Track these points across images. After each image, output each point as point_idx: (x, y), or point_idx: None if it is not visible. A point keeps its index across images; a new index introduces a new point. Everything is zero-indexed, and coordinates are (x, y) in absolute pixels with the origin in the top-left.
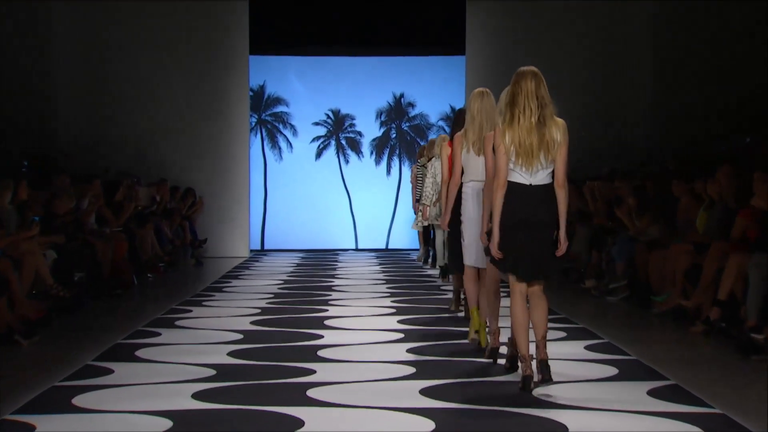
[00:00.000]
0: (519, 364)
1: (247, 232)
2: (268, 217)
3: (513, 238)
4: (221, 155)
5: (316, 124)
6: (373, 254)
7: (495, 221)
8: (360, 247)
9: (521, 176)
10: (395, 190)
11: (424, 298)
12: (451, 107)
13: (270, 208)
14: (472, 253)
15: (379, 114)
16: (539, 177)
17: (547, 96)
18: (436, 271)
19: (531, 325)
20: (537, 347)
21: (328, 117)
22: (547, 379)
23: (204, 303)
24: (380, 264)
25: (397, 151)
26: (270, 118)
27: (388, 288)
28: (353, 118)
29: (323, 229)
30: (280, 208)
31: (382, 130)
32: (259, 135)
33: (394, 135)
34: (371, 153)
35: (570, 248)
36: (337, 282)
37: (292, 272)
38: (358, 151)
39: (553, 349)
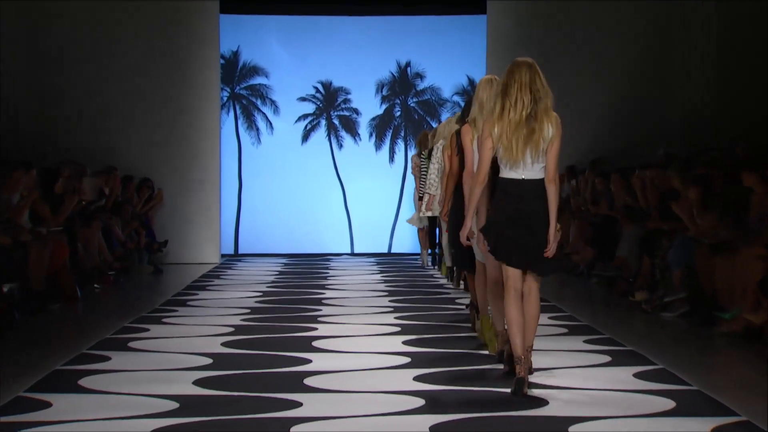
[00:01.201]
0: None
1: (218, 233)
2: (243, 215)
3: (506, 232)
4: (185, 138)
5: (303, 99)
6: (372, 260)
7: (469, 214)
8: (356, 251)
9: (512, 172)
10: (399, 181)
11: (436, 314)
12: (469, 79)
13: (245, 204)
14: (478, 251)
15: (380, 87)
16: (534, 171)
17: (543, 89)
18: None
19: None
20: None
21: (318, 91)
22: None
23: (164, 320)
24: (381, 272)
25: (402, 133)
26: (246, 92)
27: (390, 301)
28: (348, 93)
29: (311, 230)
30: (257, 203)
31: (384, 107)
32: (232, 113)
33: (398, 113)
34: (370, 135)
35: (616, 253)
36: (328, 294)
37: (272, 282)
38: (354, 133)
39: (596, 375)
